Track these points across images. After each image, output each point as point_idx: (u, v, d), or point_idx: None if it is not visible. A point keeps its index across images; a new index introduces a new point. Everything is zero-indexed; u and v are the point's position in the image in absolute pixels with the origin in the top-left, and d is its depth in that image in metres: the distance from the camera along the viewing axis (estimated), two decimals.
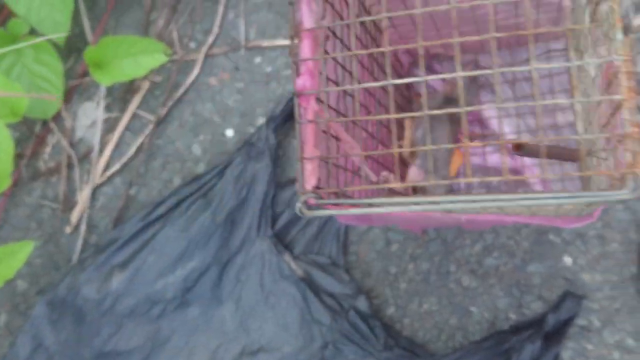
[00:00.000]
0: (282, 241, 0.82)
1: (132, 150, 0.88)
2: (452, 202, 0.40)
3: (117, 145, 0.89)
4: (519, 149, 0.46)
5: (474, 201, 0.39)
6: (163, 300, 0.79)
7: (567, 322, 0.77)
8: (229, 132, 0.88)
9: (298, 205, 0.44)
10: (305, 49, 0.49)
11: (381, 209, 0.43)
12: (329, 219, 0.83)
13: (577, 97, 0.38)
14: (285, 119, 0.84)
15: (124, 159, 0.88)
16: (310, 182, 0.45)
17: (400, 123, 0.74)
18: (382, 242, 0.84)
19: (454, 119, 0.74)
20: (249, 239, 0.80)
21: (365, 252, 0.84)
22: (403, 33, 0.72)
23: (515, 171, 0.80)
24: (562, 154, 0.48)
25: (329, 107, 0.51)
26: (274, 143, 0.81)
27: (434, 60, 0.83)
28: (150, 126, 0.88)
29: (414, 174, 0.71)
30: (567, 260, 0.81)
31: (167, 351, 0.78)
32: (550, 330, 0.77)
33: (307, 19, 0.49)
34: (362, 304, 0.78)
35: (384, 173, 0.64)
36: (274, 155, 0.81)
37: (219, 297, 0.80)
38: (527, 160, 0.79)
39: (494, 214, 0.56)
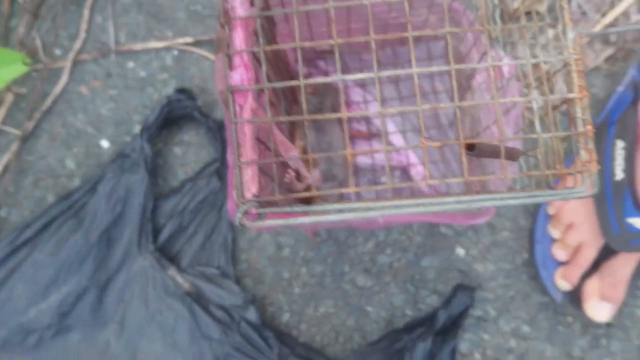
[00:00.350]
0: (166, 255, 0.78)
1: None
2: (416, 205, 0.37)
3: None
4: (472, 149, 0.44)
5: (439, 203, 0.37)
6: (38, 328, 0.73)
7: (461, 315, 0.77)
8: (105, 143, 0.83)
9: (238, 216, 0.39)
10: (237, 39, 0.44)
11: (337, 216, 0.38)
12: (215, 228, 0.79)
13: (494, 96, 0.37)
14: (161, 126, 0.79)
15: None
16: (250, 189, 0.41)
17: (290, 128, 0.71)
18: (272, 248, 0.81)
19: (340, 119, 0.71)
20: (129, 257, 0.76)
21: (256, 259, 0.81)
22: (293, 29, 0.69)
23: (403, 169, 0.79)
24: (509, 153, 0.46)
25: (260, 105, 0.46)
26: (149, 153, 0.77)
27: (320, 58, 0.80)
28: (18, 142, 0.82)
29: (316, 179, 0.68)
30: (460, 251, 0.81)
31: None
32: (444, 325, 0.76)
33: (240, 6, 0.44)
34: (252, 314, 0.75)
35: (291, 172, 0.61)
36: (150, 166, 0.77)
37: (101, 320, 0.75)
38: (412, 158, 0.78)
39: (409, 214, 0.54)
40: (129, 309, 0.75)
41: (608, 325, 0.78)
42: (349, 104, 0.80)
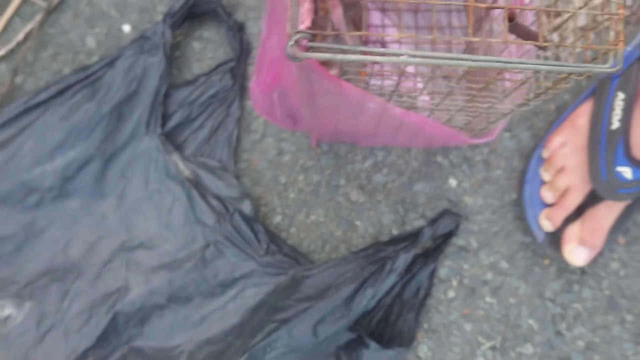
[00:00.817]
0: (172, 142, 0.80)
1: (20, 37, 0.83)
2: (449, 58, 0.39)
3: (5, 31, 0.84)
4: (512, 20, 0.45)
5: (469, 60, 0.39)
6: (40, 188, 0.76)
7: (445, 239, 0.80)
8: (126, 28, 0.85)
9: (289, 45, 0.39)
10: None
11: (377, 58, 0.40)
12: (222, 123, 0.81)
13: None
14: (184, 17, 0.81)
15: (11, 45, 0.83)
16: (304, 22, 0.40)
17: None
18: (274, 152, 0.83)
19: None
20: (136, 135, 0.78)
21: (257, 160, 0.83)
22: None
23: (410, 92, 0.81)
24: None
25: None
26: (169, 39, 0.79)
27: None
28: (42, 13, 0.83)
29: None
30: (452, 182, 0.83)
31: (42, 241, 0.76)
32: (427, 245, 0.79)
33: None
34: (247, 207, 0.78)
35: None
36: (168, 52, 0.79)
37: (102, 191, 0.77)
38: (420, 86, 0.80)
39: (424, 117, 0.56)
40: (129, 184, 0.78)
41: (582, 272, 0.82)
42: (367, 26, 0.82)
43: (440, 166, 0.84)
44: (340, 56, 0.40)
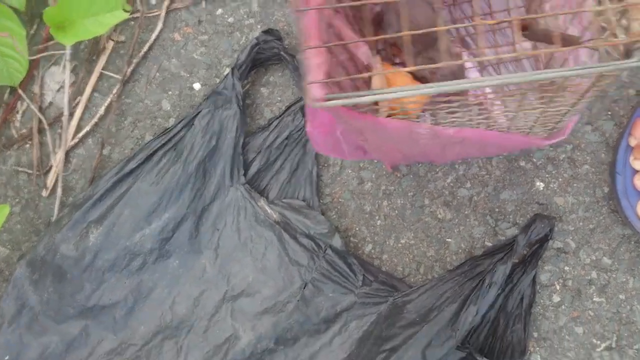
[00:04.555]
0: (256, 188, 0.83)
1: (101, 111, 0.88)
2: (461, 84, 0.39)
3: (87, 107, 0.89)
4: (527, 29, 0.45)
5: (492, 81, 0.39)
6: (142, 252, 0.80)
7: (541, 244, 0.78)
8: (197, 85, 0.88)
9: (310, 97, 0.41)
10: None
11: (393, 94, 0.41)
12: (300, 162, 0.83)
13: None
14: (250, 66, 0.84)
15: (94, 120, 0.88)
16: (317, 75, 0.42)
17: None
18: (355, 182, 0.84)
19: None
20: (222, 188, 0.81)
21: (339, 193, 0.84)
22: None
23: (480, 104, 0.80)
24: (566, 39, 0.47)
25: None
26: (240, 90, 0.81)
27: None
28: (118, 85, 0.88)
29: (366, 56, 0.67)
30: (539, 185, 0.82)
31: (150, 302, 0.80)
32: (524, 252, 0.78)
33: None
34: (337, 242, 0.79)
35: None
36: (241, 103, 0.82)
37: (198, 247, 0.80)
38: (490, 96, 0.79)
39: (479, 130, 0.56)
40: (222, 236, 0.80)
41: None
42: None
43: (525, 170, 0.82)
44: (353, 100, 0.40)
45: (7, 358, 0.78)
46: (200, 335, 0.78)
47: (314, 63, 0.42)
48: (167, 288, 0.80)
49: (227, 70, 0.87)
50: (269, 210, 0.81)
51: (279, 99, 0.87)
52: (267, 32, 0.83)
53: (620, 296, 0.79)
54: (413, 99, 0.50)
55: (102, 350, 0.79)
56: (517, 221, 0.81)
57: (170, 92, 0.89)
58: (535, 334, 0.79)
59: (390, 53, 0.73)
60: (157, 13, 0.89)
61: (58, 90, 0.90)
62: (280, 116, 0.84)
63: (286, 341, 0.77)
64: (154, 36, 0.89)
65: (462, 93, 0.51)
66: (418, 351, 0.71)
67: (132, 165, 0.80)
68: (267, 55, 0.84)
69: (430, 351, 0.72)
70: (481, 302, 0.73)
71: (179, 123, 0.82)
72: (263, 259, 0.80)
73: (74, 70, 0.90)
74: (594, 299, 0.79)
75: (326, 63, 0.43)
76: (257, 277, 0.79)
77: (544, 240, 0.78)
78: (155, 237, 0.79)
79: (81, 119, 0.88)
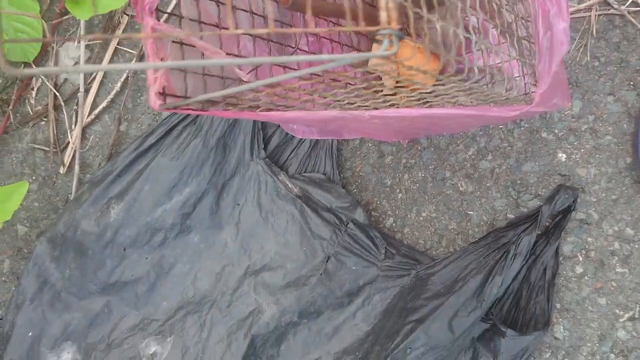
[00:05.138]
0: (276, 163, 0.82)
1: (117, 87, 0.87)
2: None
3: (102, 83, 0.88)
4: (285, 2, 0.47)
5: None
6: (163, 228, 0.79)
7: (564, 215, 0.78)
8: None
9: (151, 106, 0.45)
10: None
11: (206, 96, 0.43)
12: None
13: None
14: None
15: (111, 96, 0.87)
16: (154, 87, 0.45)
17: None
18: (375, 155, 0.84)
19: None
20: (242, 162, 0.80)
21: (360, 166, 0.84)
22: None
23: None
24: (333, 10, 0.48)
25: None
26: None
27: None
28: (134, 60, 0.87)
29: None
30: (562, 156, 0.81)
31: (172, 278, 0.79)
32: (547, 223, 0.78)
33: None
34: (360, 215, 0.79)
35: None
36: None
37: (219, 222, 0.80)
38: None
39: (434, 107, 0.54)
40: (243, 211, 0.80)
41: None
42: None
43: (547, 142, 0.82)
44: (183, 102, 0.44)
45: (30, 334, 0.77)
46: (224, 309, 0.78)
47: (151, 78, 0.45)
48: (189, 264, 0.79)
49: None
50: (290, 185, 0.80)
51: None
52: None
53: None
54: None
55: (124, 325, 0.78)
56: (540, 193, 0.81)
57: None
58: (559, 305, 0.79)
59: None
60: None
61: (73, 66, 0.89)
62: None
63: (309, 314, 0.77)
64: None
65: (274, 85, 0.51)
66: (445, 322, 0.71)
67: (151, 140, 0.80)
68: None
69: (456, 322, 0.71)
70: (506, 272, 0.73)
71: None
72: (285, 233, 0.79)
73: (88, 46, 0.89)
74: (617, 270, 0.79)
75: (163, 78, 0.45)
76: (279, 251, 0.79)
77: (567, 211, 0.78)
78: (177, 212, 0.79)
79: (97, 95, 0.87)
